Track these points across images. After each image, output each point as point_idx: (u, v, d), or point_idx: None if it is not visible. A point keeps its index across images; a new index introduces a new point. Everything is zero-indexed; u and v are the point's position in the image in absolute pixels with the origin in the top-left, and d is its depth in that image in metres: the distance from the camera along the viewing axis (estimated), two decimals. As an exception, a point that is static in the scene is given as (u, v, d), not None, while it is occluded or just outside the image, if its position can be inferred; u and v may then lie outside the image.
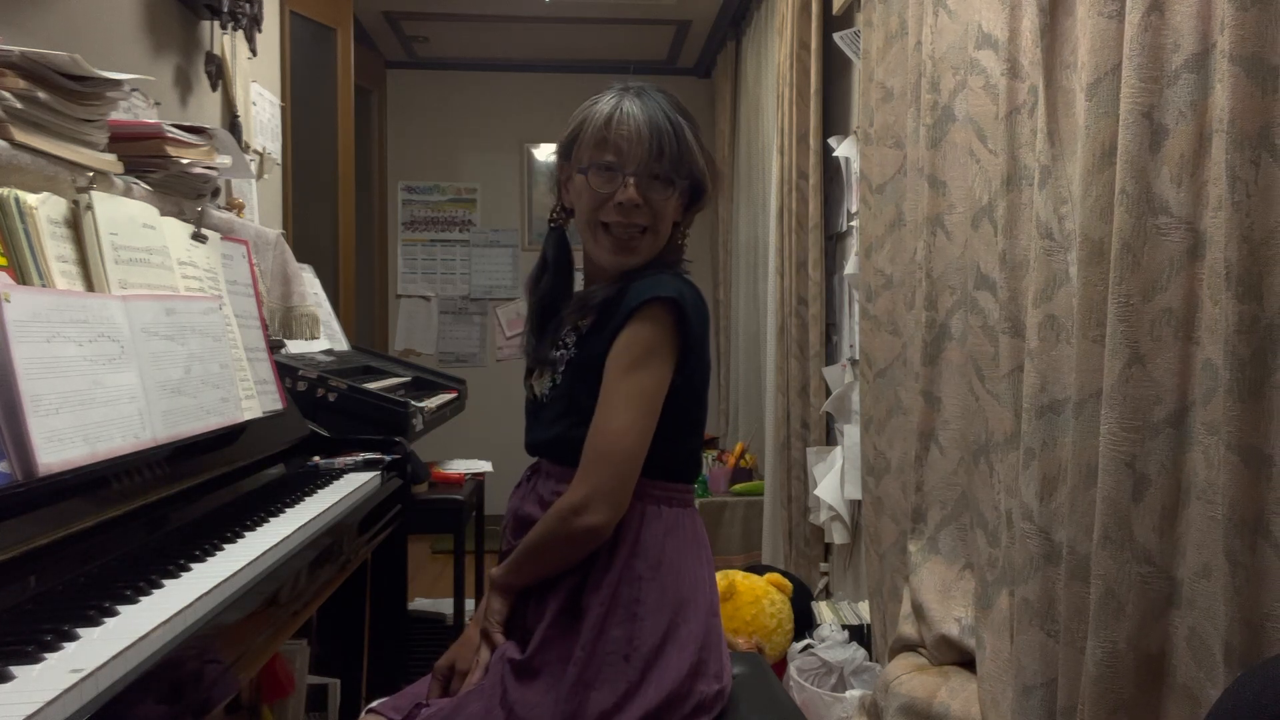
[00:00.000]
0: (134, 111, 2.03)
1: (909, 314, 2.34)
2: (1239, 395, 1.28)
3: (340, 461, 1.97)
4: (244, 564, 1.22)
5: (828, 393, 3.12)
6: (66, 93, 1.44)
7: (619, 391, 1.28)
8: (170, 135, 1.79)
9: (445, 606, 3.24)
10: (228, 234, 1.90)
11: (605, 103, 1.35)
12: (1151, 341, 1.43)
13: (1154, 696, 1.48)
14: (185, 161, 1.82)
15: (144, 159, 1.75)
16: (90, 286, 1.39)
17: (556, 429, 1.36)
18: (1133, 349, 1.44)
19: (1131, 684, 1.47)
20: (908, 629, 2.23)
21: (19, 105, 1.35)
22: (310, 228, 3.57)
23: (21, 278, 1.26)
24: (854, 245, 2.87)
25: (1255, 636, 1.28)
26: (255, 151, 2.94)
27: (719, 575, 2.77)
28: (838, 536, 3.00)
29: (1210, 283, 1.37)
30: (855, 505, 2.90)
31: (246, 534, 1.37)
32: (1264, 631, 1.28)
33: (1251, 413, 1.27)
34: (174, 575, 1.15)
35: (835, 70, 3.26)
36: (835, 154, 3.08)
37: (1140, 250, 1.43)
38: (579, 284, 1.47)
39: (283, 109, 3.27)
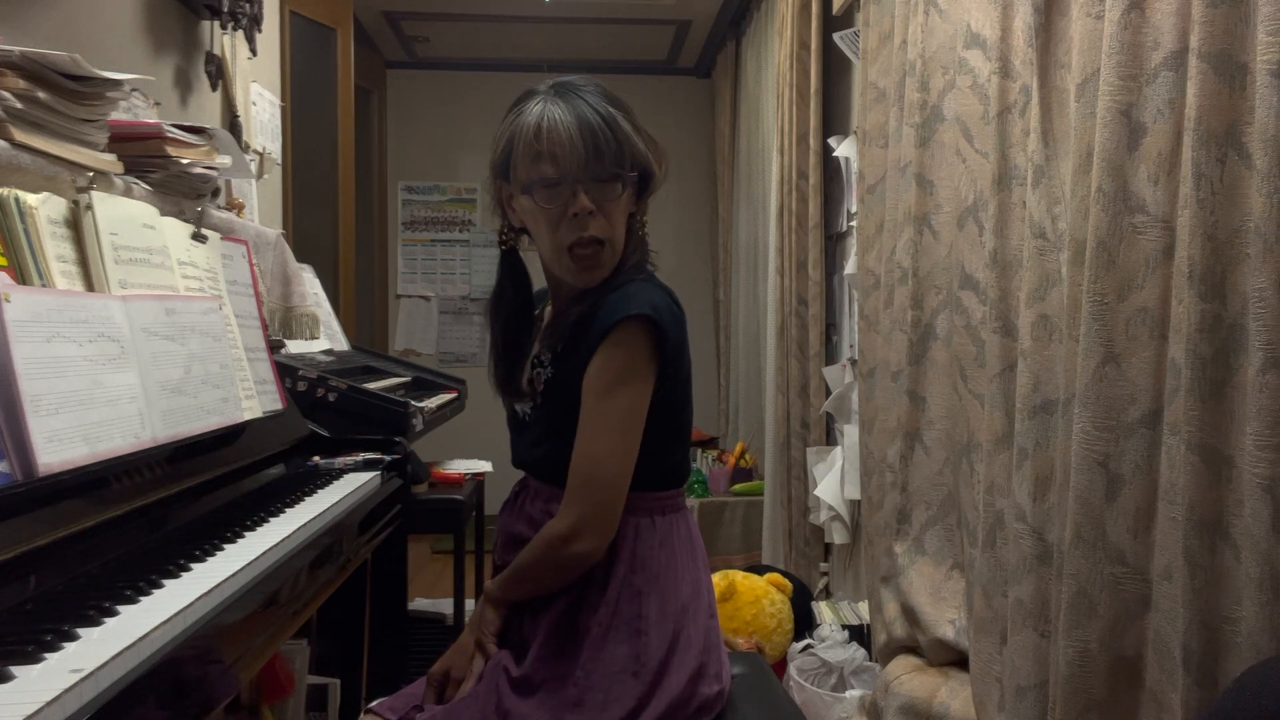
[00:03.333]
0: (134, 111, 2.03)
1: (886, 312, 2.33)
2: (1200, 395, 1.26)
3: (340, 461, 1.97)
4: (244, 564, 1.22)
5: (828, 393, 3.12)
6: (66, 93, 1.45)
7: (598, 415, 1.25)
8: (170, 135, 1.79)
9: (445, 606, 3.23)
10: (228, 234, 1.90)
11: (530, 112, 1.28)
12: (1126, 341, 1.42)
13: (1127, 700, 1.46)
14: (185, 161, 1.82)
15: (144, 159, 1.75)
16: (90, 286, 1.39)
17: (541, 450, 1.35)
18: (1107, 348, 1.42)
19: (1104, 685, 1.45)
20: (898, 631, 2.23)
21: (19, 105, 1.35)
22: (310, 228, 3.58)
23: (21, 278, 1.26)
24: (854, 245, 2.87)
25: (1213, 639, 1.27)
26: (255, 151, 2.94)
27: (719, 575, 2.77)
28: (838, 536, 3.00)
29: (1176, 281, 1.36)
30: (855, 505, 2.90)
31: (246, 534, 1.37)
32: (1221, 634, 1.26)
33: (1213, 413, 1.26)
34: (174, 575, 1.15)
35: (835, 70, 3.26)
36: (835, 154, 3.08)
37: (1116, 249, 1.41)
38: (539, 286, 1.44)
39: (283, 109, 3.27)
